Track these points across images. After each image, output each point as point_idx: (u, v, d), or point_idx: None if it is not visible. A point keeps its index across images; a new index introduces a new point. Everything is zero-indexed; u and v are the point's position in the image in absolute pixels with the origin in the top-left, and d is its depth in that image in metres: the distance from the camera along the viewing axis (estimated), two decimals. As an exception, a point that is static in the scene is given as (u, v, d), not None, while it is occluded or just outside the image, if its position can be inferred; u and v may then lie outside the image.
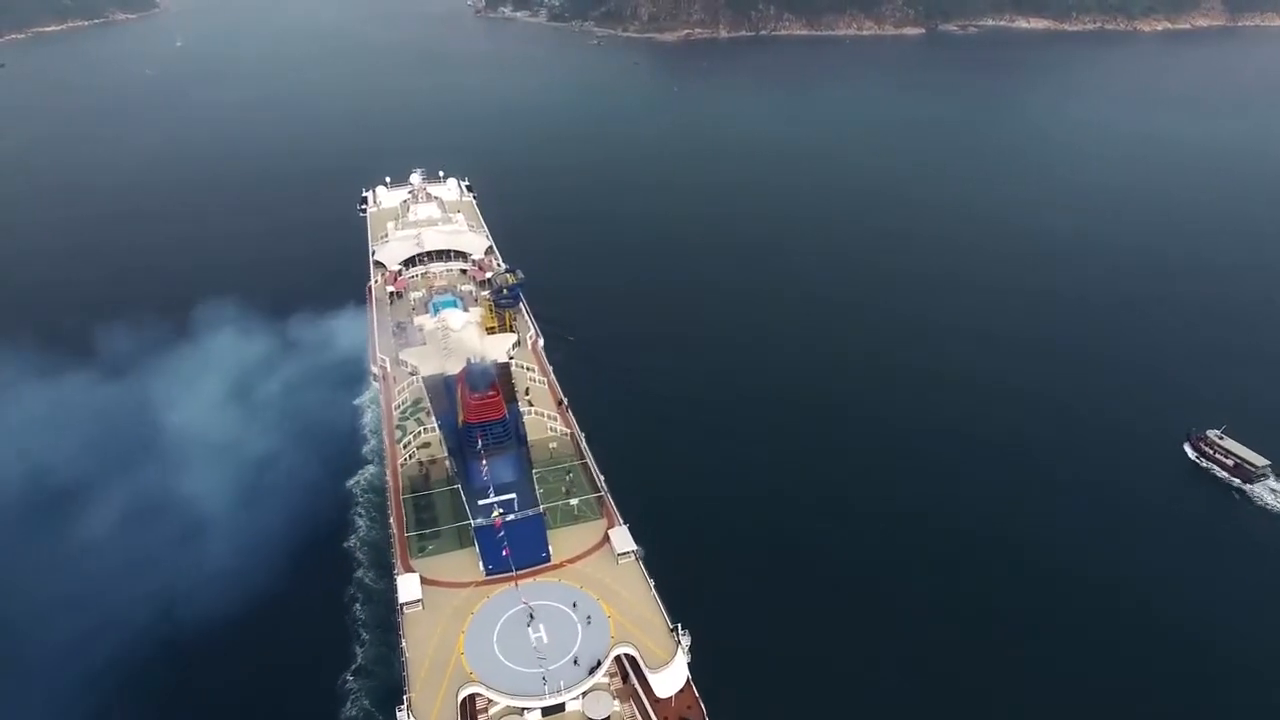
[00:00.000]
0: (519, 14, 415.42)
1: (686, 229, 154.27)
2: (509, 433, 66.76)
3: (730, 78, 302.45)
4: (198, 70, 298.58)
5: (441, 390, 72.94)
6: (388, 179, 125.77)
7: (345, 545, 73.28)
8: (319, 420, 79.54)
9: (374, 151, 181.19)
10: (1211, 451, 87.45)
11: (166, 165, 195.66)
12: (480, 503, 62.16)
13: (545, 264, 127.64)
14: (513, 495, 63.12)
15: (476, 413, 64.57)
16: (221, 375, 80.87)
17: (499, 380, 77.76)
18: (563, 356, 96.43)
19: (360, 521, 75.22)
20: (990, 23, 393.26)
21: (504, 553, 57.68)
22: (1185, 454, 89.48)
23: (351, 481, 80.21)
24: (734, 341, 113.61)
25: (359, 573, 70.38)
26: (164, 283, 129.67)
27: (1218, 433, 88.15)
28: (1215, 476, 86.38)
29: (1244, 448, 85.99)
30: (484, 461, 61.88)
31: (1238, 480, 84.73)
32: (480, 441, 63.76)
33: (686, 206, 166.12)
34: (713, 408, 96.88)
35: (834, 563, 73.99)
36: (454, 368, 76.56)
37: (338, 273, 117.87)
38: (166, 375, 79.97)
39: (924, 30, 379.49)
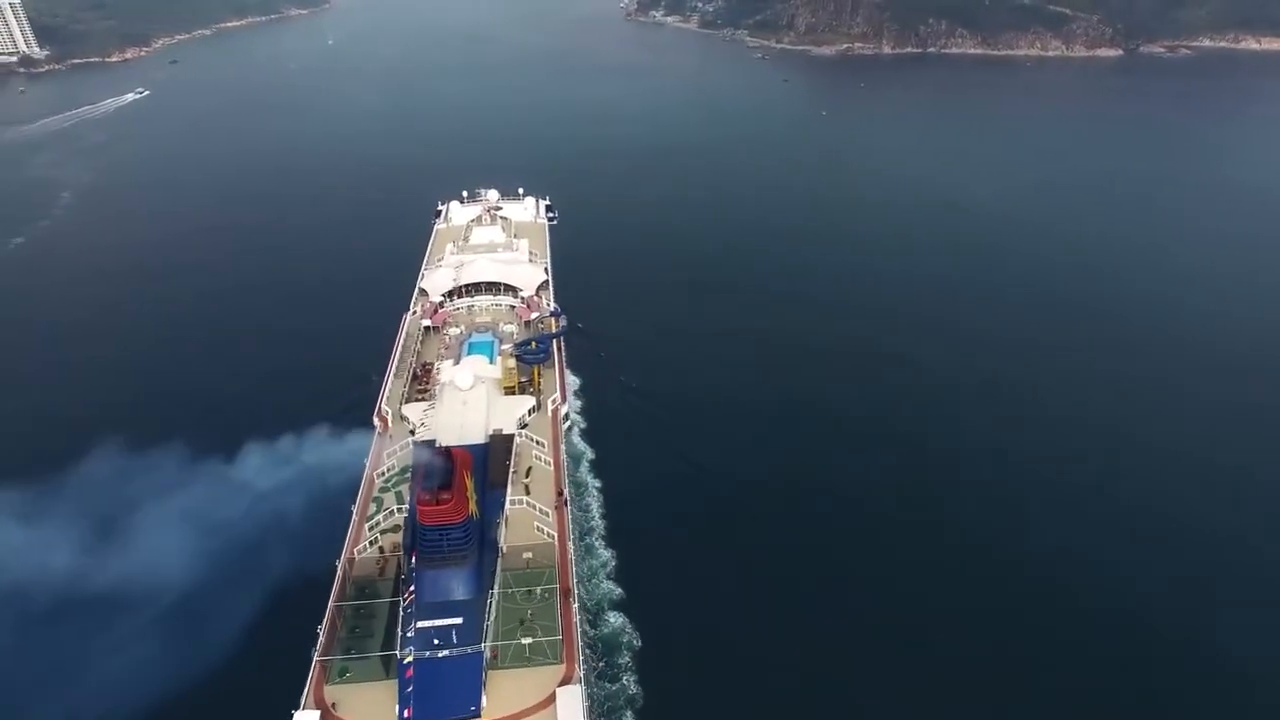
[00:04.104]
0: (670, 19, 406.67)
1: (806, 291, 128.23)
2: (469, 539, 54.46)
3: (889, 102, 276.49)
4: (339, 68, 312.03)
5: (424, 463, 61.28)
6: (464, 193, 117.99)
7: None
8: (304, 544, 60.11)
9: (477, 157, 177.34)
10: None
11: (276, 163, 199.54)
12: (419, 625, 50.76)
13: (618, 309, 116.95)
14: (459, 619, 51.35)
15: (425, 515, 52.94)
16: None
17: (496, 455, 66.43)
18: (600, 426, 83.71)
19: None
20: (1207, 43, 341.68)
21: (406, 714, 45.85)
22: None
23: None
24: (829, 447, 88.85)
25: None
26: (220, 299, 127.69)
27: None
28: None
29: None
30: (409, 592, 50.10)
31: None
32: (413, 559, 52.04)
33: (812, 263, 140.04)
34: (756, 529, 76.23)
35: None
36: (445, 438, 65.53)
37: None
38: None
39: (1122, 52, 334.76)
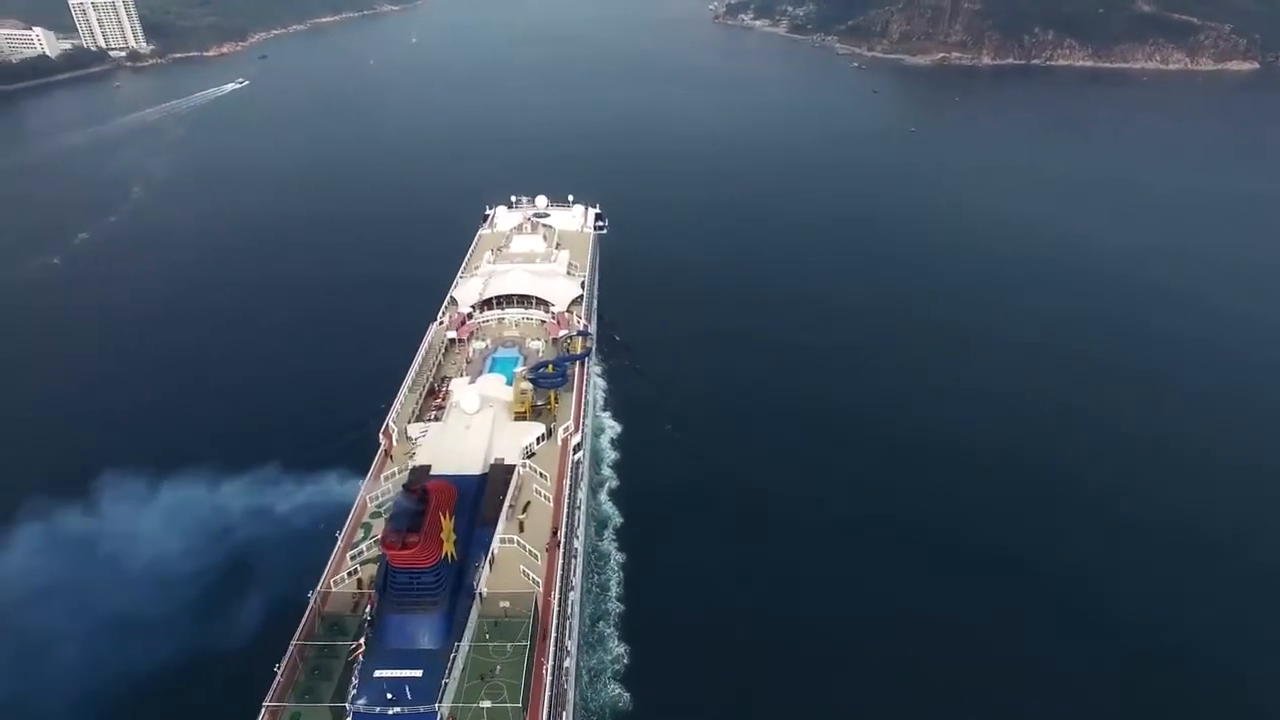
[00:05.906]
0: (758, 23, 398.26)
1: (876, 339, 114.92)
2: (441, 583, 49.51)
3: (985, 117, 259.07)
4: (417, 65, 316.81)
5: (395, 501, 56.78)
6: (512, 198, 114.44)
7: None
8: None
9: (539, 159, 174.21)
10: None
11: (340, 159, 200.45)
12: (376, 673, 46.24)
13: (671, 332, 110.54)
14: (418, 671, 46.44)
15: (391, 559, 48.41)
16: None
17: (492, 488, 61.55)
18: (636, 485, 76.80)
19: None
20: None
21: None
22: None
23: None
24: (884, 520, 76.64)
25: None
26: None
27: None
28: None
29: None
30: (358, 643, 45.59)
31: None
32: (372, 605, 47.51)
33: (884, 303, 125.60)
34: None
35: None
36: (442, 465, 61.13)
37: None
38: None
39: (1257, 65, 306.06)
